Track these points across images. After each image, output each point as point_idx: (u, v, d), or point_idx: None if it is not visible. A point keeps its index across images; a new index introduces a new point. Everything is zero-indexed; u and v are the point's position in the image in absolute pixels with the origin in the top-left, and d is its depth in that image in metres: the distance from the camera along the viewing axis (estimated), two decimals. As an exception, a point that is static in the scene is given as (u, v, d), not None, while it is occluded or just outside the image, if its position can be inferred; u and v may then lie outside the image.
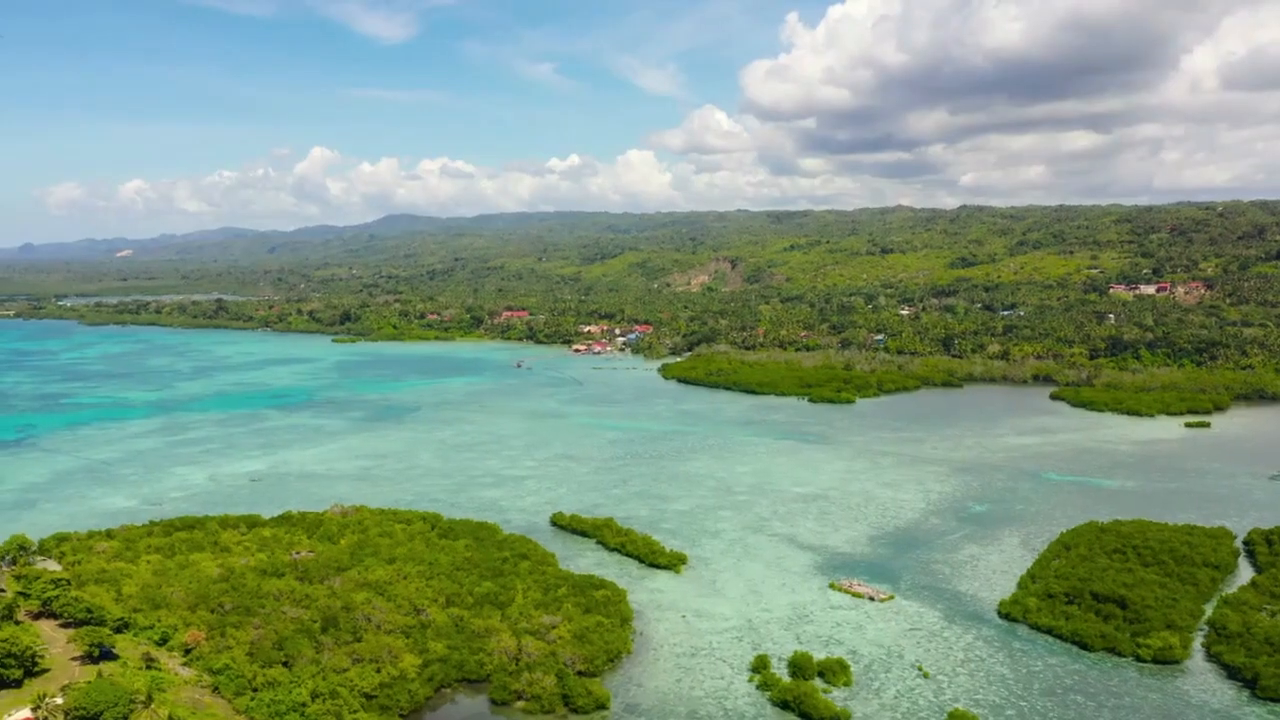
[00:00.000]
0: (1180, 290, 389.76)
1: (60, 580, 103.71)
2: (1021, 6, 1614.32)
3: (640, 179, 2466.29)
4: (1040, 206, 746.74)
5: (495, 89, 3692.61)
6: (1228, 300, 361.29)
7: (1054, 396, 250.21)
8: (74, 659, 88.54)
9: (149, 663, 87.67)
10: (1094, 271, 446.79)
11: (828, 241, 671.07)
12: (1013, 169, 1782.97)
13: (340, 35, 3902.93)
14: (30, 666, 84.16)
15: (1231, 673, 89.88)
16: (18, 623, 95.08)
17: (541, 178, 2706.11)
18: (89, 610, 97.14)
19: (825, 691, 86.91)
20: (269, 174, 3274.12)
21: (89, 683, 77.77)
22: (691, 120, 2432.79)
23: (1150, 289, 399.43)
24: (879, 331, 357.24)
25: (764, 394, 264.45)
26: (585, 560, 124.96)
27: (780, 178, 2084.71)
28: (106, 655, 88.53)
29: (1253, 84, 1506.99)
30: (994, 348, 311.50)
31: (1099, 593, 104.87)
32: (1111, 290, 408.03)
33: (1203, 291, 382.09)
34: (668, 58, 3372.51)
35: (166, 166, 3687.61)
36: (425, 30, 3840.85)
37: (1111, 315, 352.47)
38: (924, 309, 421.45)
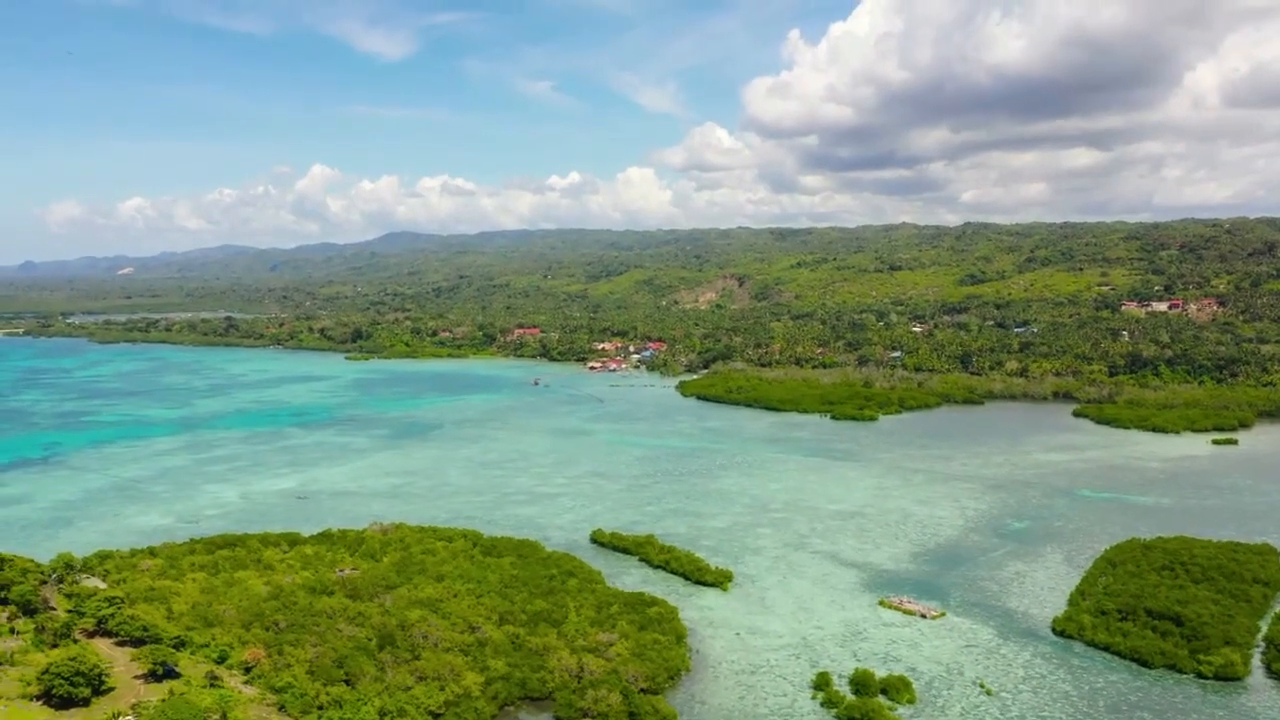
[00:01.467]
0: (1193, 307, 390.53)
1: (114, 598, 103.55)
2: (1024, 24, 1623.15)
3: (640, 196, 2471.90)
4: (1045, 224, 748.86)
5: (495, 106, 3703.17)
6: (1241, 317, 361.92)
7: (1077, 414, 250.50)
8: (136, 677, 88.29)
9: (212, 681, 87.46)
10: (1105, 289, 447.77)
11: (835, 259, 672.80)
12: (1014, 186, 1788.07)
13: (340, 53, 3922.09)
14: (97, 685, 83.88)
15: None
16: (75, 641, 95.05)
17: (542, 195, 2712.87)
18: (145, 628, 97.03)
19: (890, 709, 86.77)
20: (269, 191, 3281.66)
21: (163, 701, 77.66)
22: (692, 137, 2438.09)
23: (1163, 306, 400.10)
24: (895, 349, 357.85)
25: (785, 411, 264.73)
26: (630, 578, 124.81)
27: (780, 195, 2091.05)
28: (170, 674, 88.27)
29: (1254, 101, 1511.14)
30: (1012, 365, 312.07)
31: (1153, 609, 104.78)
32: (1124, 307, 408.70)
33: (1216, 308, 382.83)
34: (668, 75, 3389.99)
35: (166, 184, 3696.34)
36: (425, 48, 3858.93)
37: (1126, 332, 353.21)
38: (936, 326, 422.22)
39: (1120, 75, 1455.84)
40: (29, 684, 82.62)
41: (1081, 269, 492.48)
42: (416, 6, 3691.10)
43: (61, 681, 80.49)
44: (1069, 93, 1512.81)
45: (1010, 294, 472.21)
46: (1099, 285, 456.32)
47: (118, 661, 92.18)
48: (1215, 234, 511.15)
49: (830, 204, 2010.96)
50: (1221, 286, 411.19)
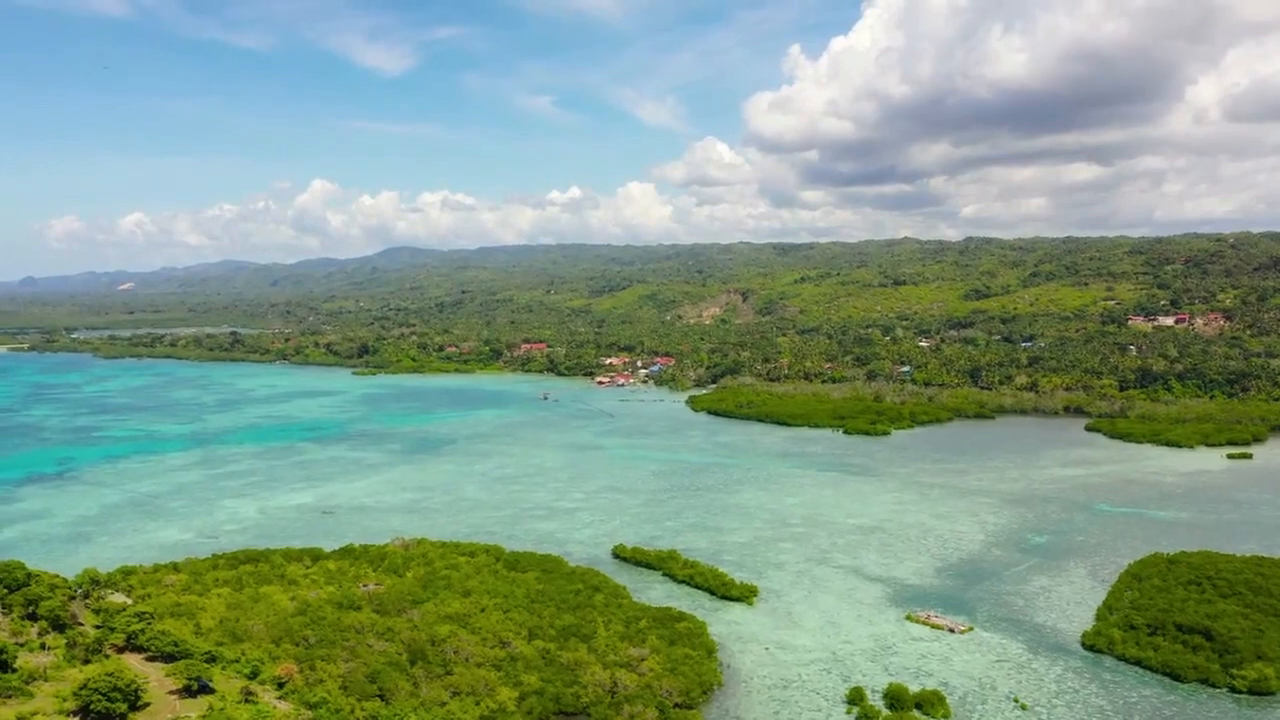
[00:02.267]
0: (1200, 322, 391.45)
1: (144, 613, 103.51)
2: (1026, 38, 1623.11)
3: (640, 211, 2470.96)
4: (1047, 238, 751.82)
5: (494, 121, 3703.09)
6: (1249, 331, 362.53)
7: (1089, 428, 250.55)
8: (171, 693, 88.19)
9: (247, 696, 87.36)
10: (1111, 303, 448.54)
11: (838, 274, 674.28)
12: (1014, 201, 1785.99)
13: (340, 68, 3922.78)
14: (134, 701, 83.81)
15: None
16: (106, 656, 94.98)
17: (542, 210, 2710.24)
18: (175, 644, 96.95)
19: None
20: (269, 206, 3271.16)
21: (203, 716, 77.61)
22: (693, 152, 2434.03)
23: (1169, 320, 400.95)
24: (903, 363, 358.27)
25: (797, 426, 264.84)
26: (654, 592, 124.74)
27: (781, 210, 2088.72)
28: (204, 689, 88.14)
29: (1255, 115, 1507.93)
30: (1021, 379, 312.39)
31: (1183, 624, 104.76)
32: (1130, 322, 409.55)
33: (1222, 323, 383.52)
34: (668, 90, 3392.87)
35: (166, 199, 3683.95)
36: (424, 63, 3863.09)
37: (1133, 347, 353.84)
38: (943, 340, 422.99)
39: (1121, 90, 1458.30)
40: (65, 699, 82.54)
41: (1086, 283, 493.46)
42: (416, 22, 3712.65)
43: (99, 697, 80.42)
44: (1070, 107, 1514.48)
45: (1016, 308, 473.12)
46: (1104, 300, 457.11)
47: (151, 677, 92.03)
48: (1219, 248, 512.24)
49: (831, 219, 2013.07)
50: (1228, 301, 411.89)
